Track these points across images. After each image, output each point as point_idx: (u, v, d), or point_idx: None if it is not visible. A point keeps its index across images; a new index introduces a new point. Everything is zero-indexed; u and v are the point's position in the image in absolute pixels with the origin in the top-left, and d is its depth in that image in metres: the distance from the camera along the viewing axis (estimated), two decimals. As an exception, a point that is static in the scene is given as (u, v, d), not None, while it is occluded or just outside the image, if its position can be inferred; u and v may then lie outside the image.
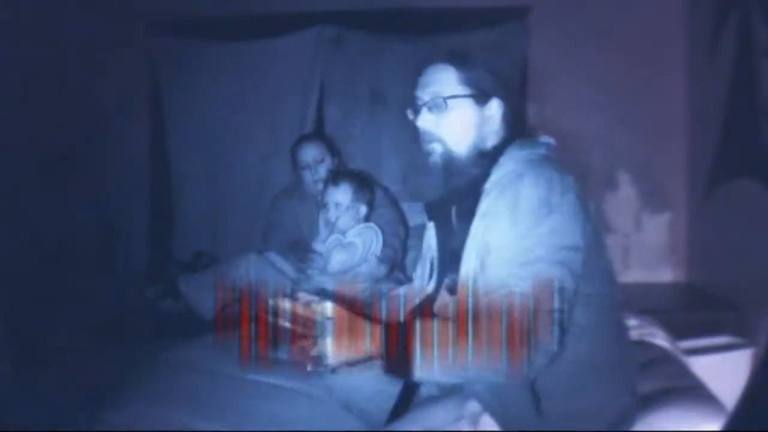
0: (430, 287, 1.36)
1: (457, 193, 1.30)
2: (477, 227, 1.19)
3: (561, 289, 1.11)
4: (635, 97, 3.19)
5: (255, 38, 3.47)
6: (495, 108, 1.28)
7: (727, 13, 2.68)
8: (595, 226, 1.22)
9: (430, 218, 1.39)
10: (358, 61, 3.45)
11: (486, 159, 1.26)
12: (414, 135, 1.37)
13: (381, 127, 3.48)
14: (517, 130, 1.32)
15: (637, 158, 3.28)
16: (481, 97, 1.27)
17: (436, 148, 1.29)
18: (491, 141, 1.29)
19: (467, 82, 1.27)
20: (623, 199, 3.26)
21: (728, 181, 2.71)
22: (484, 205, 1.19)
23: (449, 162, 1.28)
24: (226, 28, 3.50)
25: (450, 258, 1.27)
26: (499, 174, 1.21)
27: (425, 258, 1.45)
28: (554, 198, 1.13)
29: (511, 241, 1.13)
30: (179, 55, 3.53)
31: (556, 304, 1.10)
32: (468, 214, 1.23)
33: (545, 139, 1.30)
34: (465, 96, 1.27)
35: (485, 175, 1.23)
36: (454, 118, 1.27)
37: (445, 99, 1.27)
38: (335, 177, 2.29)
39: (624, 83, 3.19)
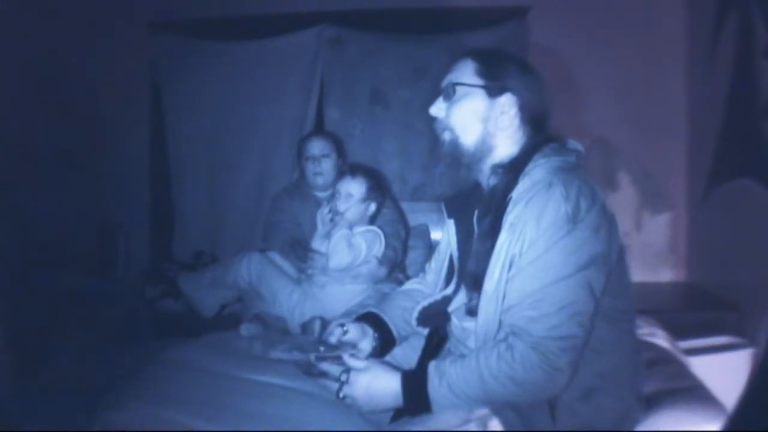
0: (450, 289, 1.37)
1: (470, 190, 1.30)
2: (503, 240, 1.16)
3: (579, 314, 1.11)
4: (635, 97, 3.19)
5: (255, 38, 3.47)
6: (507, 102, 1.25)
7: (727, 13, 2.68)
8: (619, 241, 1.21)
9: (450, 216, 1.38)
10: (358, 61, 3.45)
11: (511, 166, 1.24)
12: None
13: (381, 127, 3.49)
14: (542, 131, 1.28)
15: (637, 158, 3.28)
16: (493, 90, 1.25)
17: (446, 137, 1.29)
18: (502, 137, 1.26)
19: (483, 73, 1.26)
20: (623, 199, 3.26)
21: (728, 181, 2.71)
22: (512, 216, 1.16)
23: (456, 152, 1.27)
24: (226, 28, 3.50)
25: (471, 266, 1.26)
26: (527, 183, 1.18)
27: (441, 254, 1.45)
28: (580, 213, 1.11)
29: (534, 257, 1.12)
30: (179, 55, 3.53)
31: (573, 331, 1.10)
32: (490, 224, 1.22)
33: (574, 145, 1.27)
34: (476, 86, 1.26)
35: (510, 182, 1.21)
36: (463, 107, 1.27)
37: (454, 85, 1.27)
38: (354, 169, 2.31)
39: (624, 83, 3.19)
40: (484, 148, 1.26)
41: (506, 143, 1.27)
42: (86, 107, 3.38)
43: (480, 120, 1.26)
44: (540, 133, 1.27)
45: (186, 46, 3.53)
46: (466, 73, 1.27)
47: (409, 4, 3.32)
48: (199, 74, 3.51)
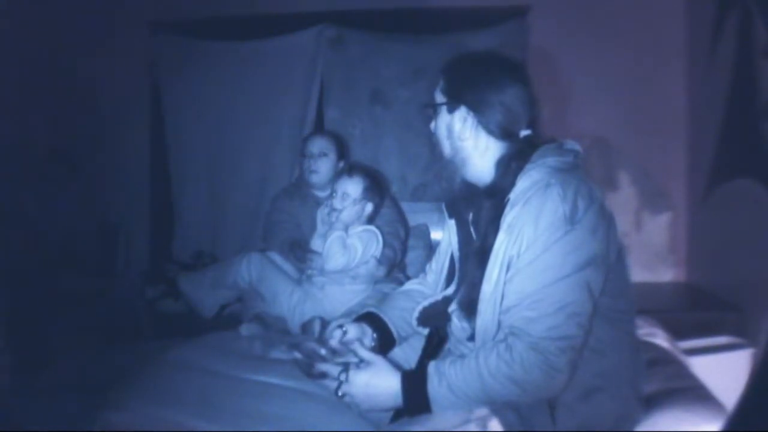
0: (450, 289, 1.38)
1: (471, 191, 1.31)
2: (501, 242, 1.17)
3: (578, 314, 1.11)
4: (635, 97, 3.19)
5: (255, 38, 3.47)
6: (462, 116, 1.28)
7: (727, 13, 2.68)
8: (618, 240, 1.21)
9: (451, 216, 1.40)
10: (358, 61, 3.45)
11: (506, 168, 1.25)
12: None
13: (381, 127, 3.48)
14: (515, 137, 1.27)
15: (637, 158, 3.28)
16: (450, 105, 1.29)
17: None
18: (469, 148, 1.28)
19: (444, 90, 1.31)
20: (623, 199, 3.26)
21: (728, 181, 2.71)
22: (510, 218, 1.16)
23: (441, 164, 1.33)
24: (226, 28, 3.50)
25: (469, 269, 1.27)
26: (525, 184, 1.18)
27: (442, 254, 1.46)
28: (578, 214, 1.12)
29: (532, 258, 1.12)
30: (179, 55, 3.53)
31: (572, 331, 1.10)
32: (487, 226, 1.23)
33: (572, 145, 1.27)
34: (439, 104, 1.31)
35: (506, 185, 1.22)
36: (437, 125, 1.33)
37: (426, 107, 1.35)
38: (351, 169, 2.31)
39: (624, 83, 3.19)
40: (457, 161, 1.30)
41: (477, 153, 1.29)
42: (86, 107, 3.38)
43: (447, 135, 1.31)
44: (517, 138, 1.27)
45: (186, 46, 3.53)
46: (437, 91, 1.33)
47: (409, 4, 3.32)
48: (199, 74, 3.51)
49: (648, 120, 3.20)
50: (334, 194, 2.24)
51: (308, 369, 1.30)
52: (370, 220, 2.31)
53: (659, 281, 3.22)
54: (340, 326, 1.40)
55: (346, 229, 2.21)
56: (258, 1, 3.42)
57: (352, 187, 2.22)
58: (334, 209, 2.21)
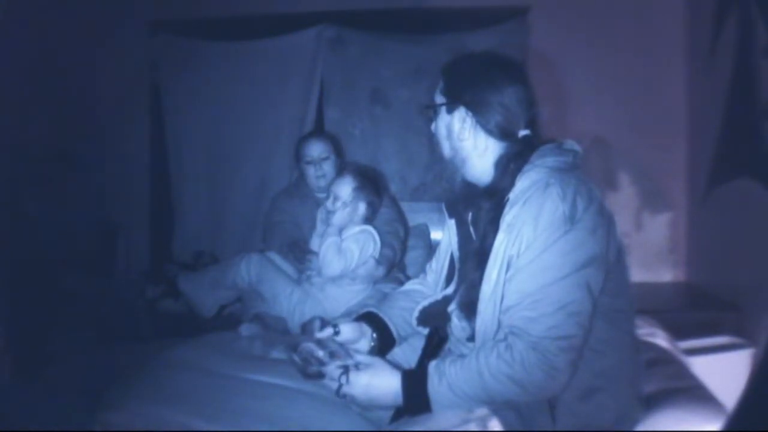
0: (450, 289, 1.38)
1: (471, 191, 1.32)
2: (500, 241, 1.17)
3: (578, 314, 1.11)
4: (635, 97, 3.19)
5: (255, 38, 3.47)
6: (461, 116, 1.28)
7: (727, 13, 2.68)
8: (617, 240, 1.21)
9: (451, 216, 1.40)
10: (358, 61, 3.45)
11: (505, 168, 1.24)
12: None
13: (381, 127, 3.49)
14: (514, 137, 1.27)
15: (637, 158, 3.28)
16: (449, 106, 1.30)
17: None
18: (468, 148, 1.28)
19: (443, 91, 1.32)
20: (623, 199, 3.26)
21: (728, 181, 2.71)
22: (509, 217, 1.17)
23: (442, 164, 1.34)
24: (226, 28, 3.50)
25: (468, 269, 1.27)
26: (524, 184, 1.19)
27: (442, 254, 1.47)
28: (578, 213, 1.12)
29: (532, 257, 1.12)
30: (179, 55, 3.53)
31: (572, 331, 1.10)
32: (486, 225, 1.23)
33: (571, 145, 1.27)
34: (439, 105, 1.32)
35: (506, 184, 1.22)
36: (437, 125, 1.34)
37: (426, 108, 1.35)
38: (342, 170, 2.31)
39: (624, 83, 3.19)
40: (456, 161, 1.31)
41: (476, 153, 1.29)
42: (86, 107, 3.38)
43: (446, 135, 1.32)
44: (516, 138, 1.27)
45: (186, 46, 3.53)
46: (436, 92, 1.33)
47: (409, 4, 3.32)
48: (199, 74, 3.51)
49: (648, 120, 3.20)
50: (328, 196, 2.24)
51: (303, 369, 1.30)
52: (367, 220, 2.29)
53: (659, 281, 3.22)
54: (334, 326, 1.40)
55: (340, 232, 2.20)
56: (258, 1, 3.42)
57: (341, 189, 2.20)
58: (327, 211, 2.21)
